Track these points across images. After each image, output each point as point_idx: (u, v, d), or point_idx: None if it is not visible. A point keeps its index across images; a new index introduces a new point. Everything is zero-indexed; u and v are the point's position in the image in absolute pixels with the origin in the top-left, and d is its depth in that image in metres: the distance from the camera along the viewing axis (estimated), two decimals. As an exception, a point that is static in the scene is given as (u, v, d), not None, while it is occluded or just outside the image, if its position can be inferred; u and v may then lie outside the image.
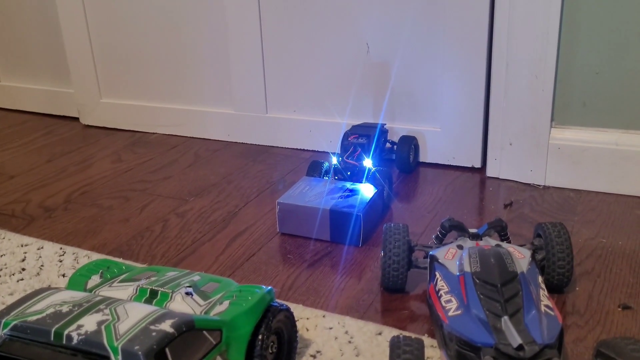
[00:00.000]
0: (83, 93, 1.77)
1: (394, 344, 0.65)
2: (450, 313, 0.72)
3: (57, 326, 0.57)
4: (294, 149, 1.54)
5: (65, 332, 0.56)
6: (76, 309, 0.60)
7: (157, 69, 1.65)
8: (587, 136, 1.21)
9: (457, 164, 1.37)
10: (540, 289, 0.75)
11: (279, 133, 1.54)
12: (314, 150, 1.51)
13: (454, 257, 0.82)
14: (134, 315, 0.59)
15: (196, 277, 0.74)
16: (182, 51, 1.60)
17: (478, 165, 1.35)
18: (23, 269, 1.00)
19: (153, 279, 0.73)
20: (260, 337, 0.67)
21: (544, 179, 1.26)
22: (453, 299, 0.74)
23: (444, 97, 1.33)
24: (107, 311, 0.60)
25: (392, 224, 0.91)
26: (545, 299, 0.73)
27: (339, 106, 1.45)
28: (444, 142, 1.36)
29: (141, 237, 1.12)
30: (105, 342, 0.55)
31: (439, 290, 0.77)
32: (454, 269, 0.79)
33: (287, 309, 0.73)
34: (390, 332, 0.81)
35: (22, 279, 0.97)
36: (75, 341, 0.56)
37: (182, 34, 1.58)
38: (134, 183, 1.38)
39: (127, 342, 0.55)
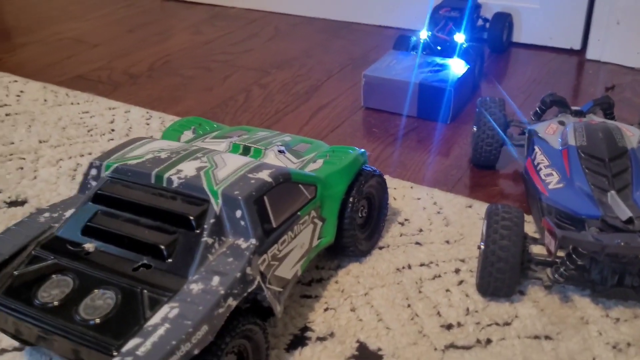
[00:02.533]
0: (161, -36, 1.73)
1: (493, 211, 0.63)
2: (551, 186, 0.68)
3: (157, 169, 0.57)
4: (376, 25, 1.47)
5: (166, 175, 0.56)
6: (174, 155, 0.60)
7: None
8: None
9: (554, 45, 1.27)
10: (651, 167, 0.70)
11: (361, 8, 1.47)
12: (398, 27, 1.43)
13: (555, 132, 0.77)
14: (231, 163, 0.59)
15: (287, 138, 0.73)
16: None
17: (577, 47, 1.25)
18: (112, 130, 1.02)
19: (245, 136, 0.72)
20: (351, 199, 0.66)
21: (652, 63, 1.16)
22: (554, 172, 0.70)
23: (546, -31, 1.22)
24: (204, 159, 0.59)
25: (488, 98, 0.86)
26: (656, 178, 0.68)
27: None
28: (541, 21, 1.26)
29: (225, 106, 1.11)
30: (205, 186, 0.55)
31: (538, 164, 0.73)
32: (555, 143, 0.74)
33: (380, 175, 0.71)
34: (481, 206, 0.78)
35: (112, 139, 0.99)
36: (175, 184, 0.56)
37: None
38: (215, 55, 1.36)
39: (227, 187, 0.54)
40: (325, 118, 1.05)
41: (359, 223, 0.69)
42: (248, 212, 0.53)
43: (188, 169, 0.58)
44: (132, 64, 1.33)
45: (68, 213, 0.58)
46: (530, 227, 0.74)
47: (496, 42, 1.26)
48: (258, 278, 0.52)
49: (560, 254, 0.61)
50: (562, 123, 0.79)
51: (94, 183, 0.60)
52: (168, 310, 0.47)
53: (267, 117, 1.06)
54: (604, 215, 0.61)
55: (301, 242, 0.60)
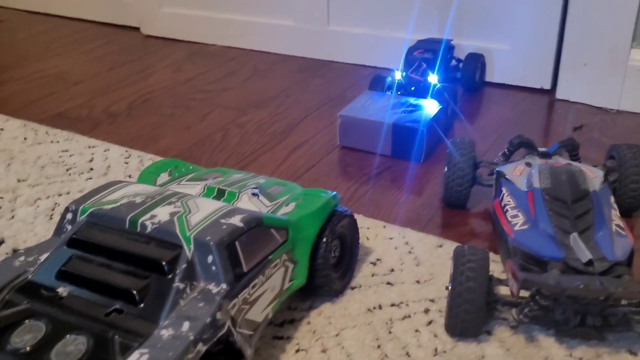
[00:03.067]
0: (143, 3, 1.76)
1: (459, 253, 0.65)
2: (517, 227, 0.71)
3: (132, 214, 0.58)
4: (354, 64, 1.50)
5: (140, 220, 0.58)
6: (149, 200, 0.61)
7: (217, -22, 1.62)
8: (670, 58, 1.14)
9: (526, 85, 1.31)
10: (612, 209, 0.73)
11: (339, 47, 1.51)
12: (375, 67, 1.47)
13: (521, 173, 0.80)
14: (204, 209, 0.60)
15: (262, 180, 0.75)
16: (244, -40, 1.56)
17: (548, 86, 1.29)
18: (91, 169, 1.03)
19: (220, 179, 0.74)
20: (324, 239, 0.68)
21: (618, 103, 1.20)
22: (520, 214, 0.72)
23: (515, 11, 1.26)
24: (178, 204, 0.61)
25: (458, 139, 0.89)
26: (617, 219, 0.71)
27: (403, 20, 1.40)
28: (513, 61, 1.31)
29: (202, 145, 1.13)
30: (178, 231, 0.56)
31: (505, 205, 0.75)
32: (521, 184, 0.77)
33: (351, 215, 0.73)
34: (451, 245, 0.80)
35: (90, 178, 1.00)
36: (149, 229, 0.57)
37: (244, -59, 1.54)
38: (194, 93, 1.38)
39: (199, 233, 0.56)
40: (301, 157, 1.07)
41: (332, 263, 0.71)
42: (219, 258, 0.55)
43: (162, 214, 0.59)
44: (112, 102, 1.35)
45: (43, 257, 0.59)
46: (498, 267, 0.76)
47: (469, 82, 1.29)
48: (228, 322, 0.53)
49: (525, 294, 0.63)
50: (528, 164, 0.82)
51: (69, 227, 0.61)
52: (138, 356, 0.48)
53: (244, 156, 1.08)
54: (565, 258, 0.64)
55: (272, 285, 0.61)
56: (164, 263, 0.54)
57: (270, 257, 0.61)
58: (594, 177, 0.77)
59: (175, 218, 0.58)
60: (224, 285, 0.55)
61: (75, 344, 0.50)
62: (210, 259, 0.55)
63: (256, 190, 0.70)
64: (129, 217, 0.58)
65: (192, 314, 0.52)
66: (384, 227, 0.85)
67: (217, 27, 1.67)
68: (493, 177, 0.85)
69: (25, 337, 0.51)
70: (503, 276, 0.71)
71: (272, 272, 0.61)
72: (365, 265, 0.77)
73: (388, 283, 0.74)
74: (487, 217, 0.88)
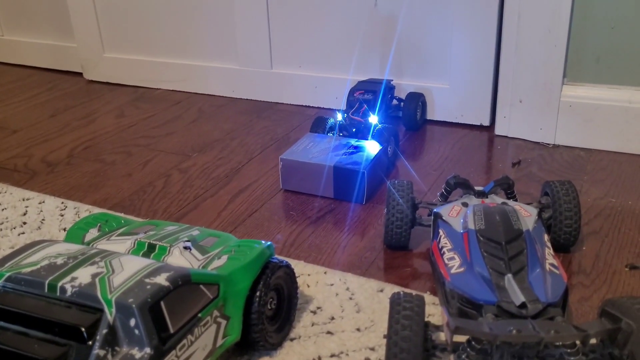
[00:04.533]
0: (86, 47, 1.74)
1: (394, 300, 0.64)
2: (453, 270, 0.70)
3: (51, 278, 0.56)
4: (299, 105, 1.51)
5: (59, 284, 0.55)
6: (71, 261, 0.59)
7: (160, 23, 1.62)
8: (600, 93, 1.18)
9: (465, 122, 1.34)
10: (546, 248, 0.73)
11: (284, 89, 1.52)
12: (320, 107, 1.48)
13: (458, 214, 0.80)
14: (129, 268, 0.58)
15: (195, 232, 0.73)
16: (186, 5, 1.56)
17: (487, 123, 1.32)
18: (24, 223, 1.00)
19: (151, 232, 0.72)
20: (258, 293, 0.66)
21: (554, 138, 1.23)
22: (456, 256, 0.72)
23: (452, 52, 1.29)
24: (102, 264, 0.59)
25: (397, 181, 0.89)
26: (550, 258, 0.72)
27: (345, 62, 1.42)
28: (452, 99, 1.33)
29: (143, 192, 1.11)
30: (99, 294, 0.54)
31: (442, 247, 0.75)
32: (457, 226, 0.77)
33: (287, 265, 0.72)
34: (392, 289, 0.80)
35: (23, 233, 0.97)
36: (69, 293, 0.55)
37: (185, -14, 1.54)
38: (137, 138, 1.36)
39: (121, 295, 0.54)
40: (244, 202, 1.06)
41: (269, 315, 0.69)
42: (142, 320, 0.52)
43: (83, 276, 0.56)
44: (51, 150, 1.32)
45: None
46: (437, 309, 0.76)
47: (411, 120, 1.31)
48: None
49: (462, 339, 0.62)
50: (465, 204, 0.82)
51: None
52: None
53: (186, 203, 1.06)
54: (499, 301, 0.64)
55: (203, 344, 0.59)
56: (82, 329, 0.51)
57: (199, 315, 0.59)
58: (527, 215, 0.78)
59: (97, 280, 0.56)
60: (147, 349, 0.52)
61: None
62: (132, 322, 0.52)
63: (188, 244, 0.68)
64: (47, 281, 0.56)
65: (115, 381, 0.49)
66: (325, 272, 0.84)
67: (161, 71, 1.66)
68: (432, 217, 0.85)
69: None
70: (440, 321, 0.70)
71: (202, 330, 0.59)
72: (305, 314, 0.76)
73: (328, 332, 0.73)
74: (428, 257, 0.88)
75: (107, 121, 1.48)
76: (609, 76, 1.17)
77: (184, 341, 0.56)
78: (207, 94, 1.62)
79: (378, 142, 1.11)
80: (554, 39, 1.16)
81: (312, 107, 1.49)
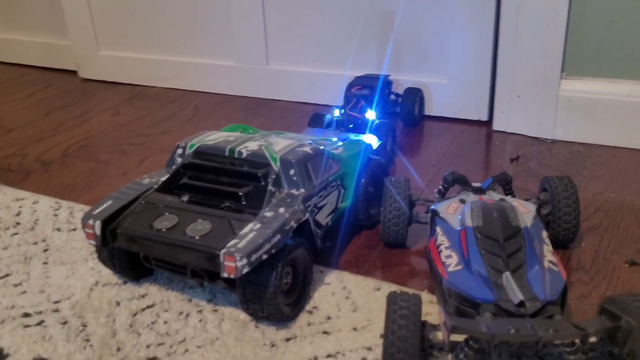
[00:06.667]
0: (81, 46, 1.73)
1: (391, 299, 0.63)
2: (450, 268, 0.69)
3: (230, 146, 0.81)
4: (295, 102, 1.50)
5: (237, 149, 0.80)
6: (240, 138, 0.84)
7: (155, 20, 1.60)
8: (599, 87, 1.17)
9: (463, 117, 1.33)
10: (545, 244, 0.72)
11: (280, 86, 1.50)
12: (316, 104, 1.47)
13: (455, 211, 0.79)
14: (281, 142, 0.83)
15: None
16: (182, 1, 1.55)
17: (485, 118, 1.31)
18: (18, 223, 0.99)
19: (281, 136, 0.94)
20: (363, 181, 0.90)
21: (553, 133, 1.22)
22: (453, 254, 0.71)
23: (450, 47, 1.28)
24: (261, 140, 0.83)
25: (393, 178, 0.88)
26: (549, 255, 0.70)
27: (342, 57, 1.40)
28: (450, 95, 1.32)
29: (138, 192, 1.10)
30: (267, 154, 0.78)
31: (439, 245, 0.74)
32: (455, 223, 0.76)
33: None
34: (389, 288, 0.79)
35: (16, 233, 0.96)
36: (244, 155, 0.79)
37: (180, -18, 1.53)
38: (133, 137, 1.35)
39: (284, 154, 0.78)
40: (240, 200, 1.05)
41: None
42: (298, 171, 0.77)
43: (252, 145, 0.81)
44: (46, 149, 1.31)
45: (163, 178, 0.81)
46: (435, 308, 0.75)
47: (408, 116, 1.30)
48: (307, 214, 0.75)
49: (460, 338, 0.62)
50: (462, 201, 0.81)
51: (179, 160, 0.83)
52: (253, 225, 0.70)
53: (181, 202, 1.05)
54: (497, 299, 0.63)
55: (331, 201, 0.84)
56: (259, 174, 0.77)
57: (330, 179, 0.83)
58: (526, 212, 0.77)
59: (262, 147, 0.80)
60: (302, 190, 0.77)
61: (202, 224, 0.71)
62: (292, 172, 0.77)
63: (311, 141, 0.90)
64: (228, 147, 0.80)
65: (283, 205, 0.74)
66: (322, 271, 0.83)
67: (157, 69, 1.65)
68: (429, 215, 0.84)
69: (164, 223, 0.72)
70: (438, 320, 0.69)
71: (331, 190, 0.83)
72: (301, 313, 0.75)
73: (324, 332, 0.72)
74: (425, 255, 0.87)
75: (102, 120, 1.47)
76: (607, 70, 1.16)
77: (322, 192, 0.81)
78: (203, 92, 1.61)
79: (376, 137, 1.09)
80: (552, 32, 1.15)
81: (309, 103, 1.48)
